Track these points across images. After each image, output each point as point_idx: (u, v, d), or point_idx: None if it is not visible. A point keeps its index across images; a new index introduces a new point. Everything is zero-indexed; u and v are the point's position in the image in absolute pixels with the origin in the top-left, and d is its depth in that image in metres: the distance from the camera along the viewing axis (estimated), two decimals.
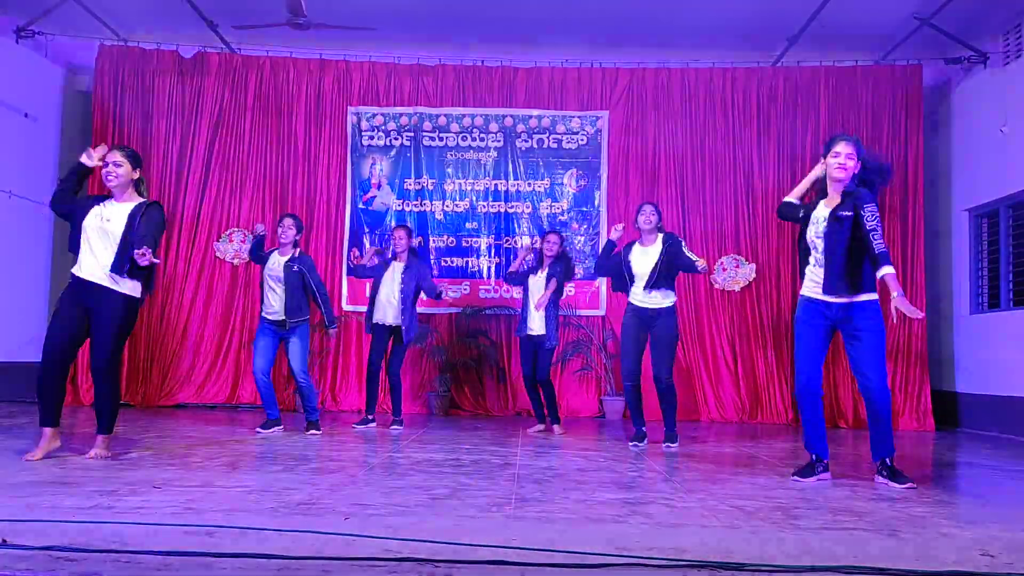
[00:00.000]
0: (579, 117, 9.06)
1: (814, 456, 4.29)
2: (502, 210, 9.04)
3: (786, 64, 8.97)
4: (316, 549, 2.43)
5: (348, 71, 9.09)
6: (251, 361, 8.34)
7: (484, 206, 9.04)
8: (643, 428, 5.84)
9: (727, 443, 6.36)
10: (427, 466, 4.47)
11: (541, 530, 2.83)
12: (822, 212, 4.22)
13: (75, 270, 4.43)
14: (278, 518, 2.91)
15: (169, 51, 8.92)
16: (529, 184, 9.05)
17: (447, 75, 9.11)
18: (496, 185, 9.05)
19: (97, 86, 8.80)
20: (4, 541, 2.38)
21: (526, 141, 9.06)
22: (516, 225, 9.01)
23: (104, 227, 4.39)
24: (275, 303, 6.09)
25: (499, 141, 9.07)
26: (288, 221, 6.26)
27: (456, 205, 9.05)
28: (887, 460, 4.18)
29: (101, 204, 4.49)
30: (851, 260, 4.11)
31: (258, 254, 6.39)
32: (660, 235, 5.82)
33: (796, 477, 4.24)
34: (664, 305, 5.71)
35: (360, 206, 9.01)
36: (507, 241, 8.99)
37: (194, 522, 2.77)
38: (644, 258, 5.77)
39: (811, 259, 4.27)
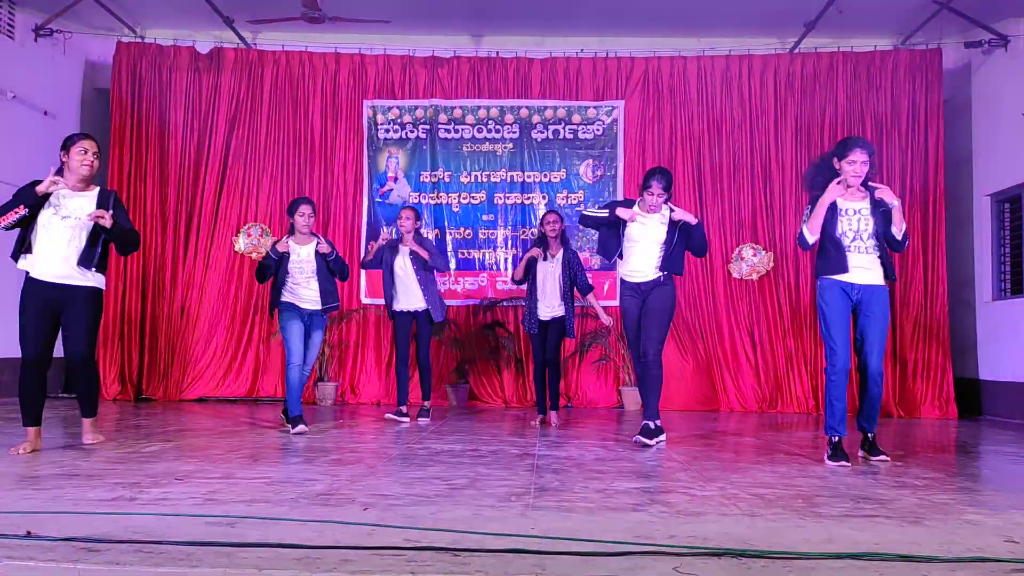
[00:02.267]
0: (594, 107, 9.02)
1: (838, 438, 4.44)
2: (519, 201, 9.03)
3: (803, 50, 8.89)
4: (336, 539, 2.44)
5: (363, 64, 9.10)
6: (272, 355, 8.37)
7: (500, 198, 9.04)
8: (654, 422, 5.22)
9: (747, 432, 6.33)
10: (446, 457, 4.48)
11: (560, 519, 2.83)
12: (851, 205, 4.53)
13: (30, 269, 4.33)
14: (299, 509, 2.93)
15: (186, 47, 8.97)
16: (545, 175, 9.03)
17: (462, 67, 9.10)
18: (512, 176, 9.04)
19: (115, 83, 8.87)
20: (29, 532, 2.41)
21: (542, 132, 9.04)
22: (533, 216, 8.99)
23: (69, 222, 4.34)
24: (310, 295, 5.80)
25: (515, 132, 9.05)
26: (308, 209, 5.86)
27: (472, 197, 9.05)
28: (869, 435, 4.59)
29: (53, 201, 4.32)
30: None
31: (272, 266, 5.83)
32: (665, 207, 5.21)
33: (841, 463, 4.33)
34: (658, 276, 5.19)
35: (377, 199, 9.03)
36: (524, 232, 8.98)
37: (216, 513, 2.81)
38: (649, 229, 5.19)
39: (846, 246, 4.49)
